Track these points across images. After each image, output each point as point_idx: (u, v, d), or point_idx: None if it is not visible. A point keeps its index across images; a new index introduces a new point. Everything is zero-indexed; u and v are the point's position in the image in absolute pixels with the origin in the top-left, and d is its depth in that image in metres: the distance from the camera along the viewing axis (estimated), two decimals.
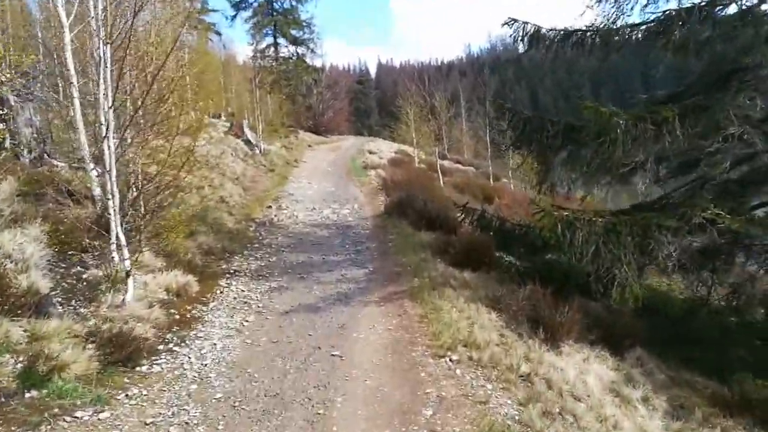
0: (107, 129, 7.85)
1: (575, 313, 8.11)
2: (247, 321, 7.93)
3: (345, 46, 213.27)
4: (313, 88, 43.15)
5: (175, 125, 11.83)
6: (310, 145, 35.55)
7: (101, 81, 7.98)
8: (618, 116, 9.30)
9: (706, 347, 9.53)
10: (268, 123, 31.05)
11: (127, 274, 7.74)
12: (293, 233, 13.31)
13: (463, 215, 12.26)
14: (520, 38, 12.63)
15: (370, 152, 32.18)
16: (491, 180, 29.77)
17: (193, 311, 8.20)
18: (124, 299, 7.67)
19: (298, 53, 41.68)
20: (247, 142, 25.14)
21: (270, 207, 15.81)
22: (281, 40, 41.31)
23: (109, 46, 7.89)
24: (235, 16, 41.06)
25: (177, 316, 7.89)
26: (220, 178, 16.86)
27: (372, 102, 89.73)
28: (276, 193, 17.56)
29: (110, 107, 7.85)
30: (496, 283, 9.86)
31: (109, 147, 7.82)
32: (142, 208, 9.40)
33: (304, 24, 41.01)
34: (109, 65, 7.93)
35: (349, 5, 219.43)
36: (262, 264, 10.82)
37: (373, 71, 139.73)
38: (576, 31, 12.24)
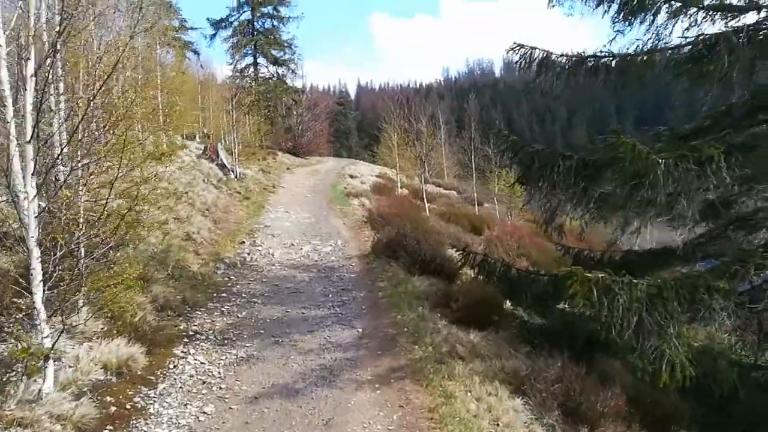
0: (26, 161, 5.97)
1: (618, 401, 6.39)
2: (204, 413, 6.04)
3: (324, 67, 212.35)
4: (293, 109, 41.33)
5: (135, 151, 10.04)
6: (288, 168, 33.67)
7: (24, 104, 6.10)
8: (657, 154, 7.68)
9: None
10: (246, 145, 29.18)
11: (47, 357, 5.81)
12: (268, 277, 11.42)
13: (463, 261, 10.55)
14: (526, 65, 10.93)
15: (351, 176, 30.41)
16: (476, 206, 28.16)
17: (136, 398, 6.27)
18: (41, 390, 5.73)
19: (278, 74, 39.95)
20: (222, 166, 23.20)
21: (243, 243, 13.92)
22: (261, 60, 39.60)
23: (29, 62, 6.02)
24: (214, 36, 39.28)
25: (113, 409, 5.96)
26: (188, 210, 14.92)
27: (352, 123, 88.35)
28: (250, 226, 15.66)
29: (30, 138, 5.94)
30: (509, 345, 8.12)
31: (25, 187, 5.91)
32: (82, 257, 7.51)
33: (285, 44, 39.35)
34: (29, 87, 6.04)
35: (328, 26, 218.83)
36: (229, 322, 8.91)
37: (352, 92, 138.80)
38: (590, 57, 10.63)
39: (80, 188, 8.03)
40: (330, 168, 36.51)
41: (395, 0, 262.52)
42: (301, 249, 13.62)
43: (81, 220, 7.58)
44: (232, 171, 23.58)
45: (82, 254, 7.44)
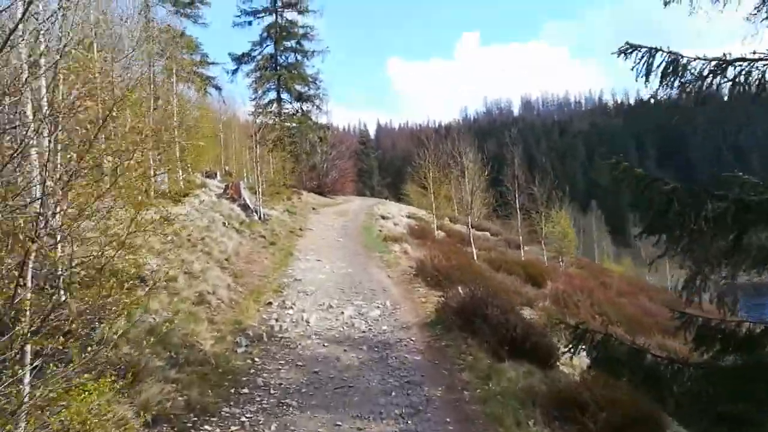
0: None
1: None
2: None
3: (345, 111, 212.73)
4: (318, 147, 38.81)
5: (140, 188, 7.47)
6: (314, 208, 30.84)
7: None
8: None
9: None
10: (270, 183, 26.46)
11: None
12: (304, 358, 8.31)
13: (574, 341, 7.40)
14: (644, 72, 7.84)
15: (383, 217, 27.44)
16: (522, 251, 24.91)
17: None
18: None
19: (302, 109, 37.53)
20: (244, 206, 20.38)
21: (270, 304, 10.87)
22: (285, 96, 37.23)
23: None
24: (236, 71, 37.10)
25: None
26: (204, 261, 11.98)
27: (373, 163, 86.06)
28: (278, 280, 12.64)
29: None
30: None
31: None
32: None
33: (310, 79, 37.01)
34: None
35: (347, 72, 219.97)
36: None
37: (372, 132, 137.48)
38: (738, 60, 7.59)
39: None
40: (357, 208, 33.67)
41: (411, 45, 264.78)
42: (342, 313, 10.53)
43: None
44: (256, 212, 20.73)
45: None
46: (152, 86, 20.34)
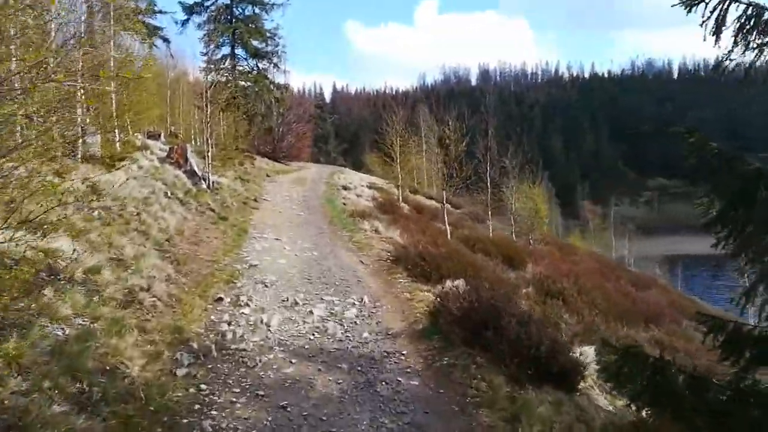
0: None
1: None
2: None
3: (300, 74, 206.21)
4: (273, 109, 36.01)
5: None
6: (269, 175, 28.39)
7: None
8: None
9: None
10: (221, 147, 23.88)
11: None
12: (267, 384, 6.28)
13: (623, 372, 5.66)
14: (714, 28, 5.91)
15: (345, 188, 25.34)
16: (489, 227, 23.31)
17: None
18: None
19: (258, 67, 34.51)
20: (191, 173, 17.88)
21: (220, 300, 8.74)
22: (240, 51, 34.13)
23: None
24: (186, 21, 33.66)
25: None
26: (139, 243, 9.69)
27: (330, 128, 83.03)
28: (231, 267, 10.47)
29: None
30: None
31: None
32: None
33: (269, 34, 33.94)
34: None
35: (303, 33, 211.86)
36: None
37: (327, 97, 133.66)
38: None
39: None
40: (315, 176, 31.40)
41: (369, 9, 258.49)
42: (311, 312, 8.51)
43: None
44: (204, 180, 18.28)
45: None
46: (88, 33, 17.47)
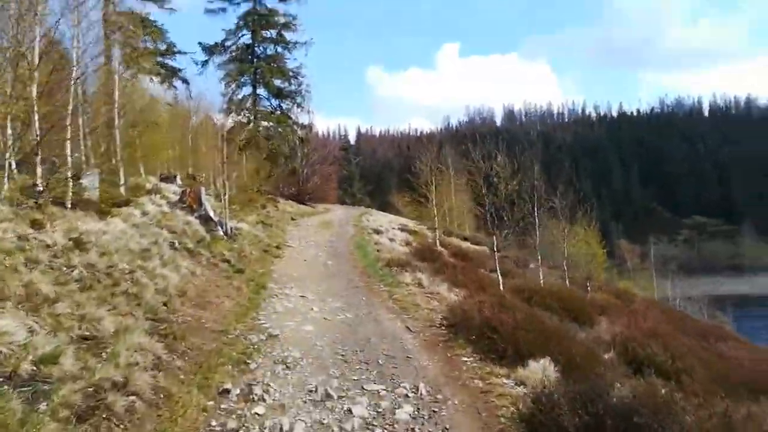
0: None
1: None
2: None
3: (324, 117, 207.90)
4: (297, 150, 34.31)
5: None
6: (293, 218, 26.37)
7: None
8: None
9: None
10: (241, 189, 21.92)
11: None
12: None
13: None
14: None
15: (376, 231, 23.09)
16: (540, 275, 20.68)
17: None
18: None
19: (282, 107, 32.97)
20: (206, 218, 15.82)
21: (226, 392, 6.40)
22: (262, 91, 32.69)
23: None
24: (207, 62, 32.47)
25: None
26: (124, 314, 7.45)
27: (354, 169, 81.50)
28: (243, 339, 8.13)
29: None
30: None
31: None
32: None
33: (291, 74, 32.51)
34: None
35: (325, 78, 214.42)
36: None
37: (352, 139, 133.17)
38: None
39: None
40: (342, 218, 29.29)
41: (390, 55, 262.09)
42: (350, 413, 6.11)
43: None
44: (221, 225, 16.21)
45: None
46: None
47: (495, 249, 15.13)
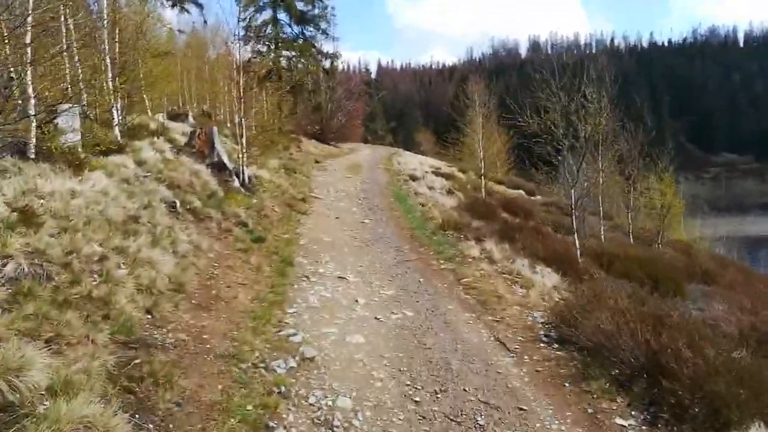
0: None
1: None
2: None
3: (344, 51, 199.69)
4: (322, 83, 30.76)
5: None
6: (318, 161, 23.29)
7: None
8: None
9: None
10: (261, 129, 18.72)
11: None
12: None
13: None
14: None
15: (412, 178, 19.97)
16: (602, 232, 17.49)
17: None
18: None
19: (305, 34, 29.15)
20: (219, 166, 12.84)
21: None
22: (283, 16, 28.81)
23: None
24: None
25: None
26: (73, 344, 4.62)
27: (378, 105, 77.23)
28: (262, 375, 5.22)
29: None
30: None
31: None
32: None
33: None
34: None
35: (343, 9, 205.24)
36: None
37: (373, 74, 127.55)
38: None
39: None
40: (371, 160, 26.17)
41: None
42: None
43: None
44: (237, 175, 13.25)
45: None
46: None
47: (572, 206, 11.93)
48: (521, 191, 31.39)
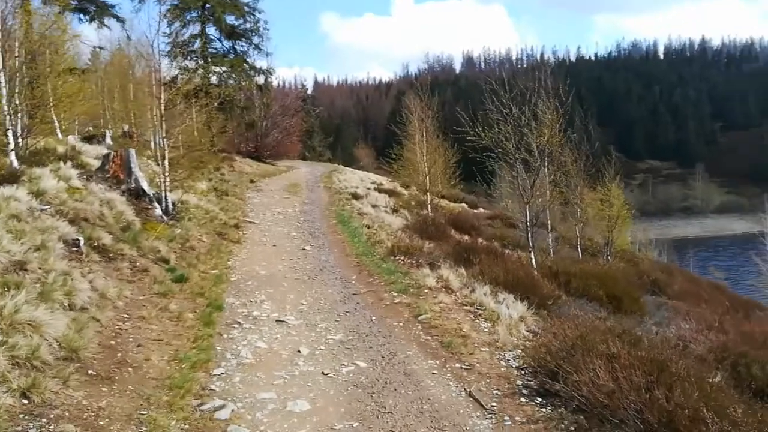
0: None
1: None
2: None
3: (279, 67, 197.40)
4: (255, 99, 29.32)
5: None
6: (253, 181, 21.85)
7: None
8: None
9: None
10: (188, 148, 17.16)
11: None
12: None
13: None
14: None
15: (354, 196, 18.88)
16: (550, 244, 16.97)
17: None
18: None
19: (236, 49, 27.64)
20: (136, 193, 11.32)
21: None
22: (212, 30, 27.23)
23: None
24: None
25: None
26: None
27: (315, 121, 75.87)
28: None
29: None
30: None
31: None
32: None
33: (246, 9, 27.07)
34: None
35: (279, 26, 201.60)
36: None
37: (310, 90, 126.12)
38: None
39: None
40: (310, 178, 25.00)
41: (344, 1, 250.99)
42: None
43: None
44: (159, 202, 11.76)
45: None
46: None
47: (527, 224, 11.14)
48: (464, 204, 30.92)
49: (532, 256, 10.92)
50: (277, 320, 7.12)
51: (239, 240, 11.54)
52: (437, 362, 5.93)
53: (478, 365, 5.81)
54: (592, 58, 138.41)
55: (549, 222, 17.32)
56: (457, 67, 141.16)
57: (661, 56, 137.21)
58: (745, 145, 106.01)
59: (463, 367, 5.78)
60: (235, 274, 9.14)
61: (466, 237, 14.29)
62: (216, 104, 20.85)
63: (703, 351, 8.82)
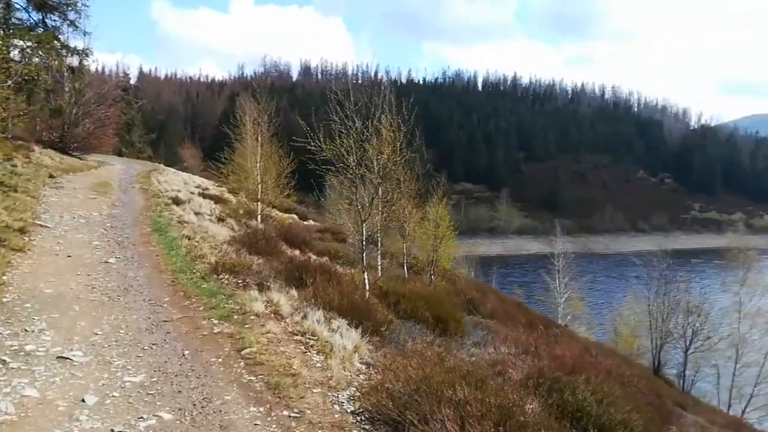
0: None
1: None
2: None
3: (99, 51, 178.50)
4: (66, 83, 25.53)
5: None
6: (53, 176, 18.72)
7: None
8: None
9: None
10: None
11: None
12: None
13: None
14: None
15: (175, 201, 17.01)
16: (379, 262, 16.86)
17: None
18: None
19: (46, 24, 23.68)
20: None
21: None
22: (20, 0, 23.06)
23: None
24: None
25: None
26: None
27: (136, 114, 69.34)
28: None
29: None
30: None
31: None
32: None
33: None
34: None
35: (101, 6, 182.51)
36: None
37: (133, 79, 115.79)
38: None
39: None
40: (124, 177, 22.41)
41: None
42: None
43: None
44: None
45: None
46: None
47: (363, 243, 10.66)
48: (294, 215, 30.07)
49: (366, 276, 10.44)
50: (58, 357, 5.61)
51: (23, 248, 9.39)
52: (261, 409, 5.00)
53: (309, 411, 5.00)
54: (421, 82, 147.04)
55: (380, 239, 17.22)
56: (294, 74, 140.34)
57: (480, 87, 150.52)
58: (543, 175, 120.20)
59: (292, 415, 4.92)
60: (10, 292, 7.25)
61: (298, 252, 13.46)
62: (11, 83, 17.56)
63: (522, 377, 8.99)
